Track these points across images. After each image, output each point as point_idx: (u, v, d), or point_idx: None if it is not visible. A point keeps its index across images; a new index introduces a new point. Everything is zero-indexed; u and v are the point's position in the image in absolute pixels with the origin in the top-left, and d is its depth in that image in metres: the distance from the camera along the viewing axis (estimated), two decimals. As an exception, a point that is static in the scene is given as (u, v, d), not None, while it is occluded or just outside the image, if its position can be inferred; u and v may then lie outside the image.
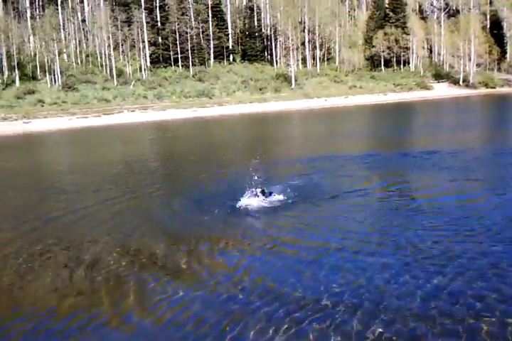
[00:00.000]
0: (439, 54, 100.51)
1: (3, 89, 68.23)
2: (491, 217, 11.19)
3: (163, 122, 57.32)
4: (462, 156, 20.28)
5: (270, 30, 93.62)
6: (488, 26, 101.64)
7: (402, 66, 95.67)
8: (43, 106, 64.68)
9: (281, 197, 13.34)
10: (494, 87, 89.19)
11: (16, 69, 70.76)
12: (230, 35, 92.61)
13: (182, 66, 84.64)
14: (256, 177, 13.21)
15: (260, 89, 79.22)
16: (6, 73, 71.17)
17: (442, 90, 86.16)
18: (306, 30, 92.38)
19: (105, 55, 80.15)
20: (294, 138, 34.15)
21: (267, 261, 9.37)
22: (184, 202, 14.34)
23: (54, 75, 72.97)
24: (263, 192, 12.95)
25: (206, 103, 71.94)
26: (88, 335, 6.86)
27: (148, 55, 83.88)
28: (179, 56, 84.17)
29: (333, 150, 25.71)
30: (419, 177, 16.73)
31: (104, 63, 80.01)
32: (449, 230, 10.43)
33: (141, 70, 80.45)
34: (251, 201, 12.83)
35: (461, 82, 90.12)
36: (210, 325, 6.83)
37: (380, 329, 6.37)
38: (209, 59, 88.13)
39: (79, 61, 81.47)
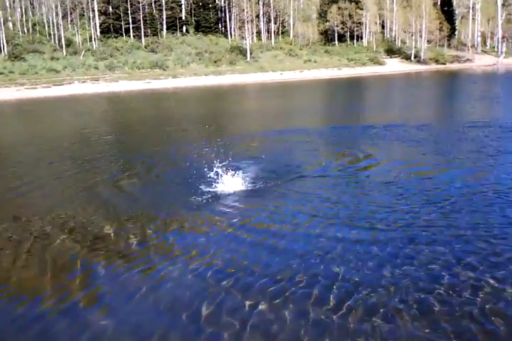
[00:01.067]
0: (391, 30, 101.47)
1: None
2: (449, 189, 11.40)
3: (115, 94, 55.95)
4: (418, 130, 20.60)
5: (224, 2, 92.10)
6: (439, 3, 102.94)
7: (355, 41, 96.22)
8: (-12, 76, 61.97)
9: (242, 177, 12.14)
10: (444, 63, 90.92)
11: (-42, 37, 67.37)
12: (183, 6, 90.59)
13: (134, 37, 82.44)
14: (213, 154, 12.39)
15: (215, 62, 78.19)
16: None
17: (394, 66, 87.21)
18: (260, 3, 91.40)
19: (53, 23, 77.06)
20: (253, 112, 33.87)
21: (229, 246, 8.59)
22: (134, 182, 13.62)
23: (-1, 44, 69.84)
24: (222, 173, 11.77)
25: (160, 75, 70.53)
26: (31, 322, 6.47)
27: (98, 25, 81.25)
28: (131, 26, 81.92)
29: (293, 124, 25.68)
30: (381, 150, 16.86)
31: (52, 32, 77.00)
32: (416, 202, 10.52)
33: (91, 40, 77.89)
34: (212, 183, 11.65)
35: (412, 58, 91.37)
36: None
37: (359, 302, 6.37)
38: (162, 30, 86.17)
39: (25, 30, 78.10)
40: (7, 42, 69.92)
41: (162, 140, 21.24)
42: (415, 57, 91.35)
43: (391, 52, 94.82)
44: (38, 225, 9.81)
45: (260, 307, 6.27)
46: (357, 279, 6.87)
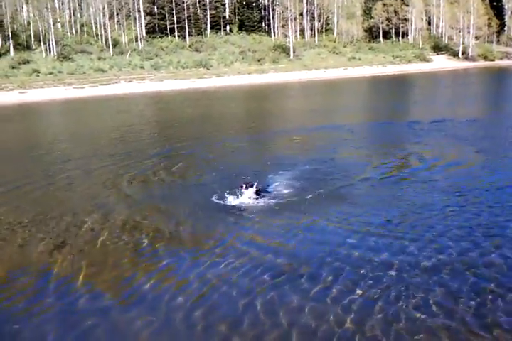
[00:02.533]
0: (438, 26, 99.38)
1: (-3, 58, 67.08)
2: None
3: (160, 93, 56.65)
4: (469, 125, 20.11)
5: (268, 0, 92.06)
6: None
7: (400, 38, 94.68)
8: (38, 76, 63.68)
9: (280, 191, 11.09)
10: (493, 60, 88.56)
11: (10, 39, 69.43)
12: (227, 5, 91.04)
13: (178, 36, 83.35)
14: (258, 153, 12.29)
15: (258, 60, 78.29)
16: (0, 42, 69.85)
17: (441, 62, 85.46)
18: (304, 0, 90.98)
19: (100, 24, 78.71)
20: (296, 110, 33.80)
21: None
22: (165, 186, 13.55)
23: (49, 45, 71.66)
24: (256, 190, 10.56)
25: (204, 74, 71.07)
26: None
27: (144, 25, 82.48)
28: (175, 26, 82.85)
29: (338, 120, 25.51)
30: (431, 147, 16.49)
31: (99, 33, 78.64)
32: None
33: (136, 40, 79.17)
34: (241, 198, 10.45)
35: (460, 55, 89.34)
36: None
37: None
38: (206, 29, 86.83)
39: (73, 31, 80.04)
40: (56, 43, 71.76)
41: (206, 136, 21.38)
42: (463, 53, 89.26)
43: (438, 48, 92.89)
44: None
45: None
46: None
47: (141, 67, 71.28)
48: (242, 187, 10.42)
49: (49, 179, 14.02)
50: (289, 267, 7.35)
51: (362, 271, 7.01)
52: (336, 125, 22.79)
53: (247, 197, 10.40)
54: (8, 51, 69.06)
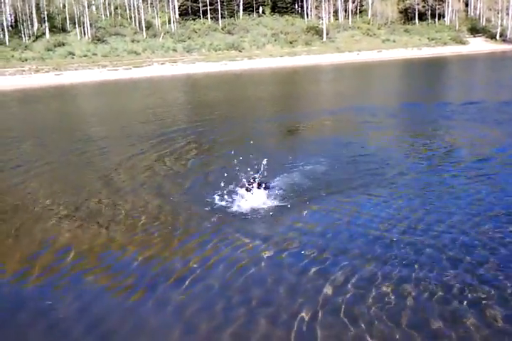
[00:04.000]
0: (475, 7, 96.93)
1: (34, 41, 68.23)
2: None
3: (193, 75, 56.88)
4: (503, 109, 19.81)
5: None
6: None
7: (436, 19, 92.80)
8: (73, 58, 64.72)
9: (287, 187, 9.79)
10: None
11: (46, 22, 70.44)
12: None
13: (211, 18, 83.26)
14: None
15: (291, 43, 77.86)
16: (36, 25, 70.93)
17: (478, 45, 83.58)
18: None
19: (134, 7, 79.20)
20: (328, 92, 33.67)
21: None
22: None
23: (83, 28, 72.54)
24: (258, 185, 9.14)
25: (236, 56, 71.09)
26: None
27: (177, 7, 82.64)
28: (208, 8, 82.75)
29: (371, 102, 25.30)
30: (462, 132, 16.35)
31: (132, 15, 79.19)
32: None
33: (169, 23, 79.44)
34: (241, 196, 9.13)
35: (497, 37, 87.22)
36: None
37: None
38: (238, 11, 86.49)
39: (107, 13, 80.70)
40: (91, 26, 72.56)
41: (236, 118, 21.59)
42: (501, 36, 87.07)
43: (475, 31, 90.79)
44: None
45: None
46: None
47: (174, 50, 71.67)
48: (249, 184, 9.09)
49: (76, 157, 14.41)
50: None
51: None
52: (368, 107, 22.67)
53: (253, 196, 8.96)
54: (44, 34, 70.14)
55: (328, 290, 5.97)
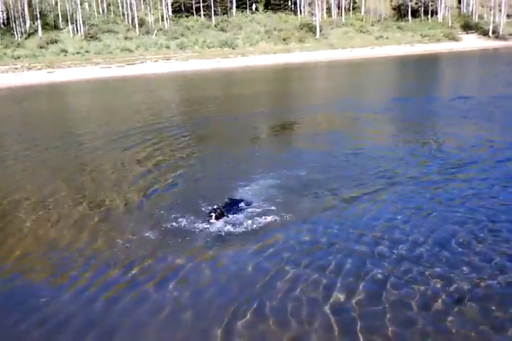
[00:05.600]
0: (468, 4, 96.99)
1: (26, 38, 67.93)
2: None
3: (186, 73, 56.76)
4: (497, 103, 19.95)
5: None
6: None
7: (429, 16, 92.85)
8: (66, 55, 64.50)
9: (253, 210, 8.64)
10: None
11: (38, 19, 70.10)
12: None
13: (204, 15, 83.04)
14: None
15: (284, 40, 77.77)
16: (28, 22, 70.58)
17: (471, 42, 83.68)
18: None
19: (126, 4, 78.89)
20: (325, 90, 33.74)
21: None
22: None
23: (76, 25, 72.23)
24: (219, 214, 8.19)
25: (229, 53, 70.98)
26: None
27: (170, 4, 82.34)
28: (201, 5, 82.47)
29: (368, 99, 25.37)
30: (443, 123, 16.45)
31: (125, 12, 78.89)
32: None
33: (163, 20, 79.15)
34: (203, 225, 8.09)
35: (490, 34, 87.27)
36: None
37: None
38: (231, 8, 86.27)
39: (100, 10, 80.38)
40: (83, 23, 72.27)
41: (227, 115, 21.62)
42: (493, 32, 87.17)
43: (467, 27, 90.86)
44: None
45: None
46: None
47: (167, 47, 71.49)
48: (211, 216, 8.12)
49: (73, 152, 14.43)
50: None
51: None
52: (361, 102, 22.80)
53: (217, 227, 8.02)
54: (37, 31, 69.80)
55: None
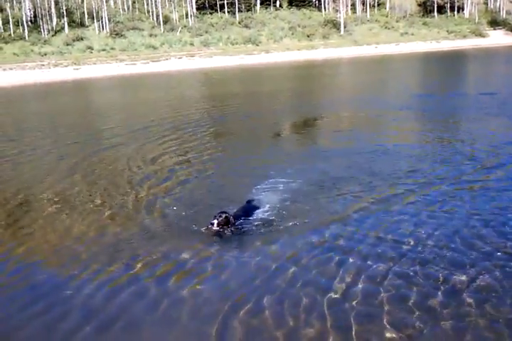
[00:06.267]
0: (495, 0, 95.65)
1: (53, 35, 68.89)
2: None
3: (210, 70, 57.00)
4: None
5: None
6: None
7: (456, 12, 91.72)
8: (91, 52, 65.27)
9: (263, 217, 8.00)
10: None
11: (65, 16, 71.06)
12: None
13: (228, 12, 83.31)
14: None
15: (308, 36, 77.61)
16: (55, 20, 71.60)
17: (498, 38, 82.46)
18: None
19: (151, 1, 79.46)
20: (349, 87, 33.60)
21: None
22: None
23: (102, 22, 73.06)
24: (223, 220, 7.43)
25: (253, 50, 71.08)
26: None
27: (194, 1, 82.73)
28: (225, 2, 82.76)
29: (393, 97, 25.22)
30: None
31: (150, 10, 79.49)
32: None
33: (187, 17, 79.62)
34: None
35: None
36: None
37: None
38: (255, 5, 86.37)
39: (125, 7, 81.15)
40: (109, 20, 73.03)
41: (249, 113, 21.71)
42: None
43: (495, 23, 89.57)
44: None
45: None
46: None
47: (191, 44, 71.89)
48: (213, 224, 7.39)
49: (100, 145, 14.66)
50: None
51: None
52: (386, 101, 22.65)
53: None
54: (63, 28, 70.80)
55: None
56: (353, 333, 5.06)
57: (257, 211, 8.23)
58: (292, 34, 78.45)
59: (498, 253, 6.51)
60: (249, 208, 8.28)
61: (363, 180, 9.89)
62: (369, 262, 6.47)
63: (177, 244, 7.39)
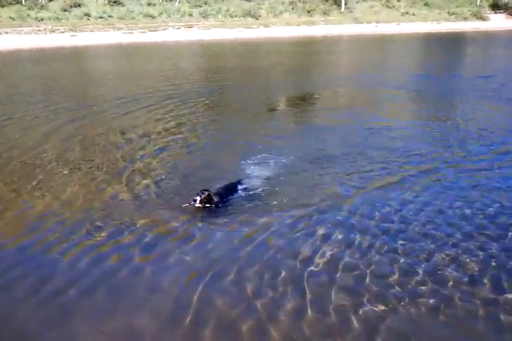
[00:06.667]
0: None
1: (50, 0, 67.56)
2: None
3: (208, 42, 56.34)
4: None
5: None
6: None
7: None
8: (89, 19, 64.24)
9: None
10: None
11: (63, -19, 69.66)
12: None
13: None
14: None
15: (308, 12, 76.67)
16: (52, -16, 70.20)
17: (499, 22, 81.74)
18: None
19: (151, -32, 77.90)
20: (350, 65, 33.42)
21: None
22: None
23: (100, -12, 71.68)
24: (205, 198, 7.40)
25: (252, 24, 70.23)
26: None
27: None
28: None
29: (391, 76, 25.15)
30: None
31: (149, -23, 77.96)
32: None
33: (187, -14, 78.26)
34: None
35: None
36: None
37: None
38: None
39: (124, -26, 79.55)
40: (107, -13, 71.68)
41: (242, 86, 21.63)
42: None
43: (496, 7, 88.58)
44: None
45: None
46: None
47: (190, 15, 70.87)
48: (195, 200, 7.34)
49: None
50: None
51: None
52: (384, 80, 22.63)
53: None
54: (60, -7, 69.45)
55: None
56: (331, 307, 5.19)
57: (243, 187, 8.32)
58: (292, 9, 77.44)
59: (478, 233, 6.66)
60: (234, 185, 8.32)
61: (354, 158, 10.04)
62: (352, 237, 6.61)
63: (163, 215, 7.50)
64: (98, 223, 7.26)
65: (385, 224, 6.99)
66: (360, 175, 9.04)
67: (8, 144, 11.80)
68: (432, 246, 6.33)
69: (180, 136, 12.32)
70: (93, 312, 5.24)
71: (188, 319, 5.06)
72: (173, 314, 5.18)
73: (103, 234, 6.89)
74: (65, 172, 9.62)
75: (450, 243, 6.41)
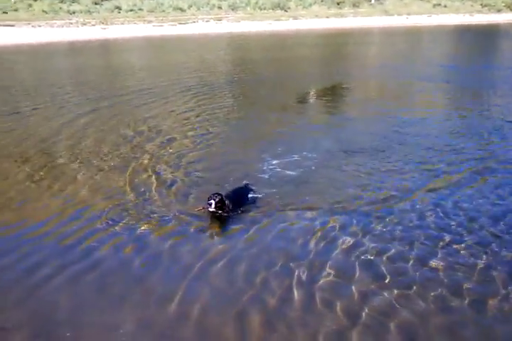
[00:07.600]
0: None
1: (81, -7, 68.45)
2: None
3: (237, 34, 56.21)
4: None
5: None
6: None
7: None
8: (119, 12, 64.93)
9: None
10: None
11: (93, -26, 70.36)
12: None
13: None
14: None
15: (338, 4, 76.11)
16: (84, -22, 70.96)
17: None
18: None
19: (181, -39, 78.14)
20: (380, 57, 33.09)
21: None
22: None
23: (130, -19, 72.19)
24: (220, 204, 6.91)
25: (281, 16, 70.05)
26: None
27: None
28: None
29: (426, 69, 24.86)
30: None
31: (179, -30, 78.23)
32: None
33: (214, -21, 78.32)
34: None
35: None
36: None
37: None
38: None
39: (154, -33, 79.95)
40: (138, -20, 72.15)
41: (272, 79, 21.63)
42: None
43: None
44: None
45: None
46: None
47: (219, 7, 71.02)
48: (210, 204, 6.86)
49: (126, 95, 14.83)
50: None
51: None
52: (415, 72, 22.36)
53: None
54: (92, -13, 70.19)
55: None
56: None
57: (259, 190, 7.90)
58: (322, 1, 76.98)
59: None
60: (246, 188, 7.88)
61: (389, 153, 9.72)
62: (389, 246, 6.24)
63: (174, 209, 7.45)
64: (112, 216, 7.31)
65: (396, 226, 6.75)
66: (400, 173, 8.67)
67: (29, 133, 12.13)
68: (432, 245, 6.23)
69: (205, 126, 12.37)
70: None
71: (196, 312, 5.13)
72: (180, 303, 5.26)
73: (98, 224, 6.99)
74: (85, 161, 9.77)
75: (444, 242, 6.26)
